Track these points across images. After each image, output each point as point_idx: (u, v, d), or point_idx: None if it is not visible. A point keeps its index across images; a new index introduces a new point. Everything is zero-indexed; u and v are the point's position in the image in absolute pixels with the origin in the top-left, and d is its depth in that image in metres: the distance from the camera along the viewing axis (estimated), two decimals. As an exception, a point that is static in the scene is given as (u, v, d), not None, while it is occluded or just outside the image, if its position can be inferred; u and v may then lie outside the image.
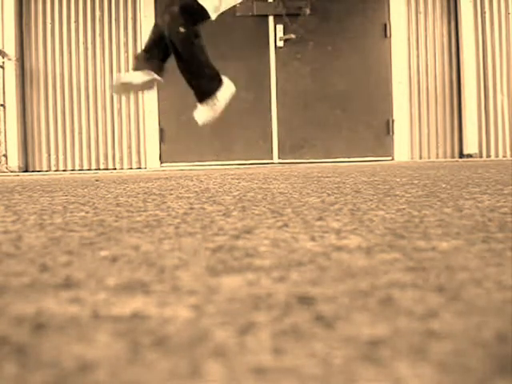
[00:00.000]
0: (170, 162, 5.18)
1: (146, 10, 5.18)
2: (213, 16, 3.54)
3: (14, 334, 0.36)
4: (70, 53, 5.20)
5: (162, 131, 5.19)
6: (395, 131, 5.22)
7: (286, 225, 0.83)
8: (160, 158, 5.20)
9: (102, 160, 5.20)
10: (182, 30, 3.37)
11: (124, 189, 1.74)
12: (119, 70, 5.19)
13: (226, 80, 3.72)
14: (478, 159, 4.95)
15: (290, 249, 0.63)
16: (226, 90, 3.70)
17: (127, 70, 5.19)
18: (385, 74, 5.22)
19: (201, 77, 3.62)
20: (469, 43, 5.18)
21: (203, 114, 3.71)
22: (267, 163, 5.14)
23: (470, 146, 5.16)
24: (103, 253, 0.63)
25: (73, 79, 5.20)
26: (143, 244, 0.69)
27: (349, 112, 5.21)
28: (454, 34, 5.23)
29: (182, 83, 5.30)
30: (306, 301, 0.42)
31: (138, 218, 0.94)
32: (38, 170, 5.19)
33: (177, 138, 5.16)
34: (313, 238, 0.70)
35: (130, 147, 5.20)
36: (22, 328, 0.37)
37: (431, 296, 0.43)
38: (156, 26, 3.65)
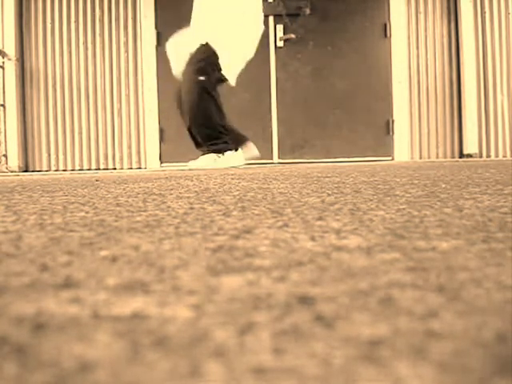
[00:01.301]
0: (170, 162, 5.18)
1: (146, 10, 5.17)
2: (233, 83, 3.73)
3: (14, 334, 0.36)
4: (70, 53, 5.20)
5: (161, 131, 5.19)
6: (395, 131, 5.22)
7: (286, 225, 0.83)
8: (160, 158, 5.20)
9: (102, 160, 5.19)
10: (201, 78, 3.52)
11: (124, 189, 1.73)
12: (119, 70, 5.19)
13: (239, 151, 3.79)
14: (478, 159, 4.95)
15: (290, 249, 0.63)
16: (234, 157, 3.76)
17: (127, 70, 5.19)
18: (385, 74, 5.22)
19: (205, 128, 3.62)
20: (469, 43, 5.18)
21: (199, 161, 3.77)
22: (267, 163, 5.14)
23: (470, 146, 5.16)
24: (103, 253, 0.63)
25: (73, 79, 5.20)
26: (143, 244, 0.68)
27: (349, 112, 5.21)
28: (454, 34, 5.23)
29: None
30: (306, 301, 0.42)
31: (138, 218, 0.94)
32: (38, 169, 5.19)
33: (177, 138, 5.16)
34: (313, 238, 0.70)
35: (130, 147, 5.20)
36: (21, 328, 0.37)
37: (431, 296, 0.43)
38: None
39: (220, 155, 3.71)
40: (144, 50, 5.18)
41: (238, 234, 0.75)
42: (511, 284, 0.46)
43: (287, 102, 5.19)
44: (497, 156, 5.22)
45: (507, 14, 5.23)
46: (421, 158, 5.25)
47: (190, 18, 5.20)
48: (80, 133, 5.18)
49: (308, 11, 5.14)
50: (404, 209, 0.99)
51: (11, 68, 5.09)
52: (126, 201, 1.29)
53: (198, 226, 0.83)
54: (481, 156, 5.20)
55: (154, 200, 1.29)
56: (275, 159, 5.21)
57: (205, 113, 3.57)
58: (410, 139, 5.23)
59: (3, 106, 5.08)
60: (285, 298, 0.43)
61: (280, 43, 5.16)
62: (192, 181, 2.10)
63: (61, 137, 5.19)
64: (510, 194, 1.23)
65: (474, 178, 1.78)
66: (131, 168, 5.19)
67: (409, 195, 1.24)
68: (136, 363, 0.31)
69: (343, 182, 1.74)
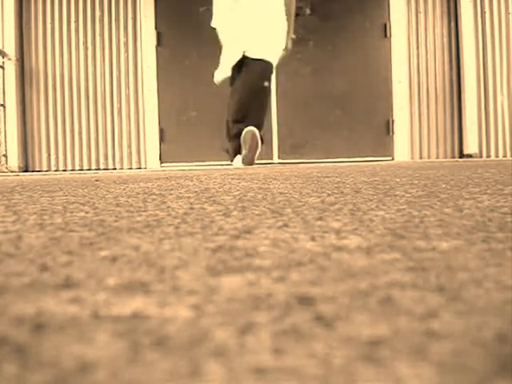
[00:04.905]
0: (170, 162, 5.18)
1: (146, 10, 5.17)
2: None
3: (14, 334, 0.36)
4: (70, 53, 5.20)
5: (162, 131, 5.19)
6: (395, 131, 5.22)
7: (285, 225, 0.83)
8: (160, 158, 5.20)
9: (101, 160, 5.19)
10: (266, 84, 4.06)
11: (124, 189, 1.74)
12: (119, 70, 5.19)
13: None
14: (478, 159, 4.95)
15: (289, 249, 0.63)
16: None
17: (127, 70, 5.19)
18: (385, 74, 5.22)
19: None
20: (469, 43, 5.18)
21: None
22: (267, 163, 5.14)
23: (470, 146, 5.16)
24: (103, 253, 0.63)
25: (73, 79, 5.20)
26: (143, 244, 0.68)
27: (349, 112, 5.21)
28: (453, 34, 5.23)
29: (182, 83, 5.30)
30: (306, 301, 0.42)
31: (138, 218, 0.94)
32: (37, 170, 5.19)
33: (177, 138, 5.16)
34: (313, 238, 0.70)
35: (129, 147, 5.20)
36: (21, 328, 0.37)
37: (431, 296, 0.43)
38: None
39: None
40: (144, 50, 5.18)
41: (238, 234, 0.75)
42: (511, 284, 0.46)
43: (287, 102, 5.19)
44: (497, 156, 5.22)
45: (507, 13, 5.23)
46: (421, 157, 5.25)
47: (189, 17, 5.19)
48: (80, 133, 5.18)
49: (308, 11, 5.14)
50: (404, 209, 0.99)
51: (11, 68, 5.09)
52: (126, 201, 1.29)
53: (198, 226, 0.83)
54: (481, 156, 5.20)
55: (153, 200, 1.29)
56: (275, 159, 5.21)
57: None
58: (410, 139, 5.23)
59: (3, 105, 5.08)
60: (285, 298, 0.43)
61: (280, 43, 5.15)
62: (192, 181, 2.10)
63: (61, 137, 5.19)
64: (509, 193, 1.23)
65: (473, 178, 1.78)
66: (131, 168, 5.19)
67: (409, 195, 1.24)
68: (136, 363, 0.31)
69: (343, 182, 1.74)
